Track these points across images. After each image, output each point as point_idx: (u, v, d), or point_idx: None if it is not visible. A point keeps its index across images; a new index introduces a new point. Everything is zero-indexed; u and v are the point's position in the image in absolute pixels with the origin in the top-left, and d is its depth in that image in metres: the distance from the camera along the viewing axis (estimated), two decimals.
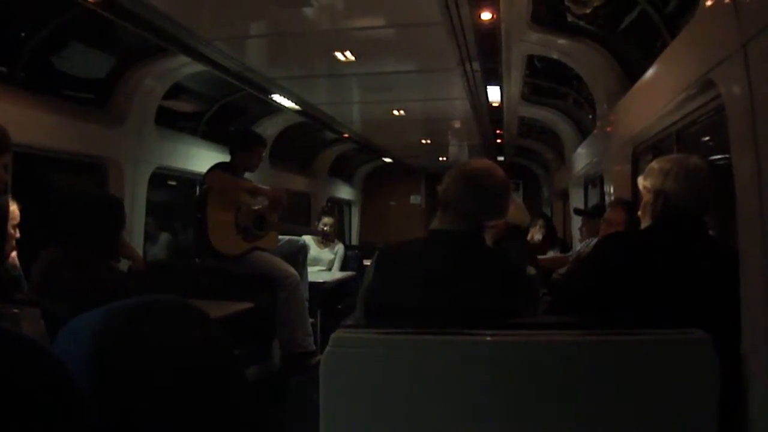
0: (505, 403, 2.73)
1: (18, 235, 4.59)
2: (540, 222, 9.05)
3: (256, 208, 7.29)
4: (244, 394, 3.13)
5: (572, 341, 2.74)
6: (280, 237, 7.88)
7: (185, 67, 7.78)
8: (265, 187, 7.59)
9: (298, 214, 14.53)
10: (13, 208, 4.54)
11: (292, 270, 7.16)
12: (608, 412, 2.65)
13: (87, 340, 2.44)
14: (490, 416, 2.73)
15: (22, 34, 6.29)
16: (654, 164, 3.55)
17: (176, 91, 8.51)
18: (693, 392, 2.62)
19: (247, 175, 7.55)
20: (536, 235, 8.95)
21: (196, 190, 9.00)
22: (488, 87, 8.53)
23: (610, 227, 5.58)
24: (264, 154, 7.91)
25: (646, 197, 3.52)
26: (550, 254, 8.58)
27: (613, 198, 7.04)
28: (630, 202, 5.75)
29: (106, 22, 5.93)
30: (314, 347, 7.23)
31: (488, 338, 2.77)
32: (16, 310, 3.71)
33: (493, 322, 2.87)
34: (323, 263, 10.59)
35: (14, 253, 4.67)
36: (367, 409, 2.83)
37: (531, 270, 3.75)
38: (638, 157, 6.66)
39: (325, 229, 10.46)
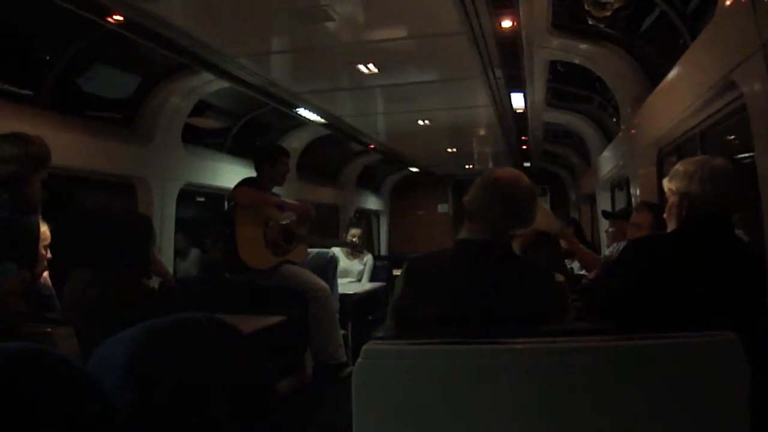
0: (539, 411, 2.71)
1: (49, 255, 4.64)
2: (570, 229, 9.02)
3: (284, 222, 7.31)
4: (278, 409, 3.15)
5: (602, 347, 2.72)
6: (309, 250, 7.89)
7: (210, 84, 7.83)
8: (292, 201, 7.61)
9: (327, 226, 14.54)
10: (44, 228, 4.60)
11: (323, 282, 7.17)
12: (640, 416, 2.62)
13: (121, 360, 2.46)
14: (524, 424, 2.71)
15: (47, 58, 6.37)
16: (679, 166, 3.54)
17: (202, 108, 8.57)
18: (723, 394, 2.60)
19: (275, 188, 7.58)
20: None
21: (224, 206, 9.05)
22: (512, 94, 8.52)
23: (636, 230, 5.56)
24: (291, 167, 7.92)
25: (672, 200, 3.51)
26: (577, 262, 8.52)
27: (639, 201, 7.02)
28: (656, 205, 5.73)
29: (130, 42, 5.99)
30: (346, 358, 7.22)
31: (519, 346, 2.74)
32: (49, 330, 3.75)
33: (523, 330, 2.86)
34: (353, 275, 10.59)
35: (46, 274, 4.71)
36: (400, 420, 2.81)
37: (559, 277, 3.73)
38: (663, 159, 6.66)
39: (354, 240, 10.46)
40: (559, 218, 6.22)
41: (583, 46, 7.01)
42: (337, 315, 7.47)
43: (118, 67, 7.36)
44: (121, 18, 5.34)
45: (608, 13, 6.18)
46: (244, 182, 7.25)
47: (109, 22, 5.38)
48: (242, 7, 5.63)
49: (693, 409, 2.61)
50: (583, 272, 7.50)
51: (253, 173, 7.45)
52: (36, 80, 6.29)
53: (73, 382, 2.21)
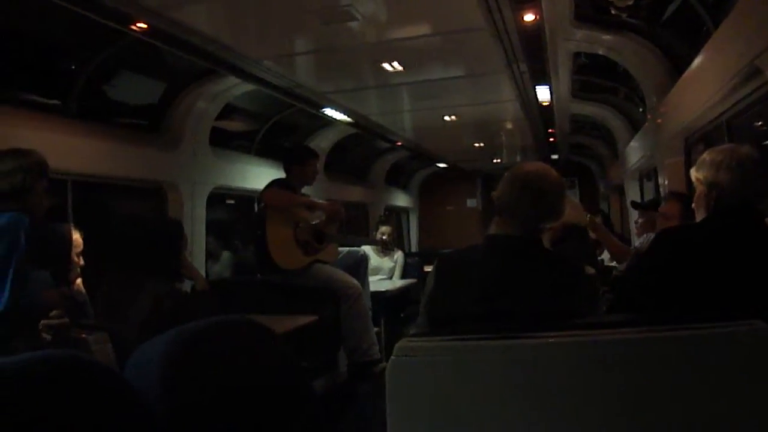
0: (572, 405, 2.70)
1: (82, 262, 4.69)
2: (597, 218, 8.97)
3: (314, 222, 7.34)
4: (313, 409, 3.17)
5: (635, 339, 2.70)
6: (339, 249, 7.93)
7: (236, 88, 7.88)
8: (321, 201, 7.64)
9: (357, 225, 14.56)
10: (76, 236, 4.65)
11: (354, 281, 7.21)
12: (675, 407, 2.62)
13: (156, 364, 2.49)
14: (559, 418, 2.71)
15: (73, 67, 6.42)
16: (705, 156, 3.52)
17: (228, 111, 8.61)
18: (757, 384, 2.60)
19: (305, 188, 7.61)
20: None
21: (254, 208, 9.08)
22: (537, 87, 8.51)
23: (666, 221, 5.54)
24: (319, 167, 7.95)
25: (700, 189, 3.49)
26: (606, 253, 8.48)
27: (667, 191, 7.01)
28: (685, 194, 5.71)
29: (154, 49, 6.04)
30: (379, 355, 7.24)
31: (551, 340, 2.73)
32: (84, 336, 3.80)
33: (555, 323, 2.85)
34: (384, 272, 10.61)
35: (79, 280, 4.75)
36: (435, 417, 2.81)
37: (590, 269, 3.74)
38: (690, 147, 6.64)
39: (384, 238, 10.48)
40: (586, 210, 6.22)
41: (607, 37, 7.00)
42: (370, 313, 7.50)
43: (144, 74, 7.42)
44: (145, 26, 5.37)
45: (630, 3, 6.17)
46: (274, 183, 7.29)
47: (133, 30, 5.42)
48: (265, 10, 5.66)
49: (727, 399, 2.59)
50: (613, 264, 7.50)
51: (281, 174, 7.49)
52: (63, 90, 6.35)
53: (109, 387, 2.23)
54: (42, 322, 3.68)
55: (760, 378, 2.58)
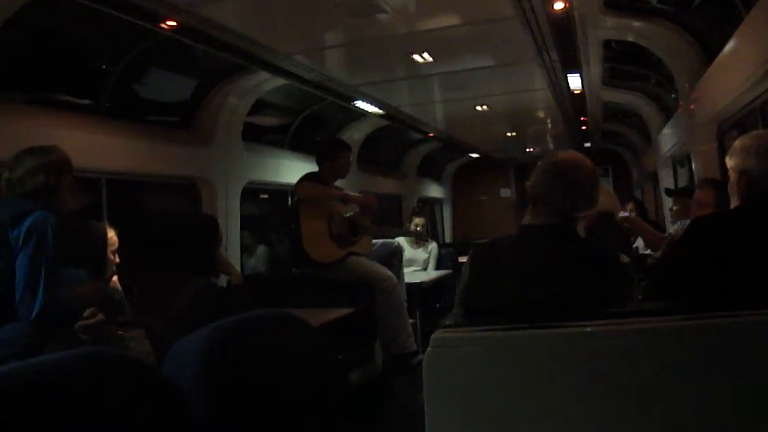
0: (609, 393, 2.69)
1: (117, 260, 4.72)
2: (630, 206, 8.90)
3: (348, 215, 7.36)
4: (351, 401, 3.19)
5: (670, 327, 2.67)
6: (374, 241, 7.96)
7: (267, 83, 7.91)
8: (354, 193, 7.66)
9: (390, 217, 14.58)
10: (111, 234, 4.67)
11: (389, 273, 7.21)
12: (712, 396, 2.61)
13: (194, 359, 2.51)
14: (595, 407, 2.69)
15: (104, 67, 6.47)
16: (737, 142, 3.49)
17: (260, 106, 8.64)
18: None
19: (340, 182, 7.63)
20: None
21: (288, 202, 9.12)
22: (568, 75, 8.49)
23: (700, 208, 5.51)
24: (352, 159, 7.96)
25: (732, 177, 3.48)
26: (641, 240, 8.46)
27: (701, 177, 6.97)
28: (719, 181, 5.67)
29: (184, 46, 6.07)
30: (416, 347, 7.24)
31: (588, 329, 2.73)
32: (121, 333, 3.83)
33: (591, 312, 2.86)
34: (418, 263, 10.61)
35: (115, 278, 4.79)
36: (473, 408, 2.81)
37: (624, 258, 3.72)
38: (724, 134, 6.60)
39: (418, 229, 10.49)
40: (620, 197, 6.19)
41: (637, 24, 6.96)
42: (405, 304, 7.50)
43: (175, 71, 7.46)
44: (174, 23, 5.41)
45: None
46: (307, 177, 7.31)
47: (163, 28, 5.47)
48: (294, 5, 5.69)
49: (766, 388, 2.59)
50: (648, 252, 7.47)
51: (314, 167, 7.49)
52: (95, 89, 6.40)
53: (148, 383, 2.26)
54: (78, 324, 3.71)
55: None
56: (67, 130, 5.56)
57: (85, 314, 3.72)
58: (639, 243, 8.30)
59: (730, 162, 3.50)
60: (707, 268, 3.22)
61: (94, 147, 5.82)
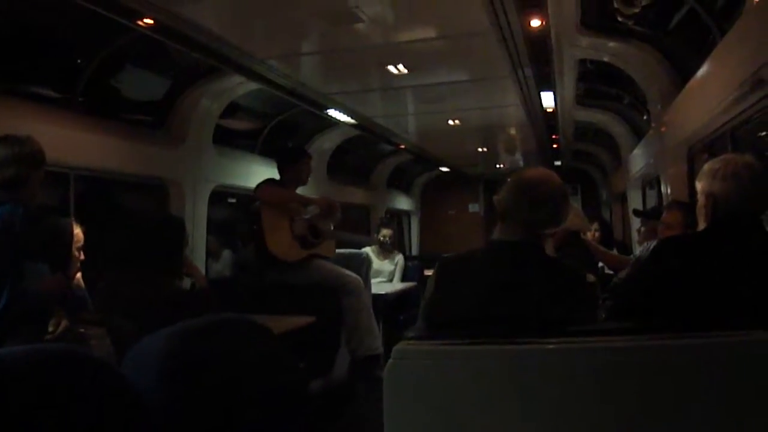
0: (570, 411, 2.70)
1: (82, 257, 4.68)
2: (595, 225, 8.91)
3: (308, 216, 7.37)
4: (309, 409, 3.18)
5: (633, 346, 2.70)
6: (342, 251, 7.97)
7: (240, 86, 7.89)
8: (314, 197, 7.67)
9: (359, 227, 14.57)
10: (77, 230, 4.62)
11: (354, 275, 7.23)
12: (673, 416, 2.62)
13: (154, 360, 2.50)
14: (555, 425, 2.71)
15: (79, 61, 6.42)
16: (706, 166, 3.52)
17: (233, 109, 8.62)
18: (757, 394, 2.59)
19: (308, 191, 7.60)
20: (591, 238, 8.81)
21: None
22: (542, 92, 8.52)
23: (668, 230, 5.53)
24: (322, 168, 7.99)
25: (701, 199, 3.50)
26: None
27: (670, 199, 7.02)
28: (687, 204, 5.71)
29: (161, 45, 6.05)
30: (383, 349, 7.29)
31: (550, 346, 2.74)
32: (83, 330, 3.80)
33: (553, 330, 2.84)
34: (384, 275, 10.62)
35: (79, 275, 4.74)
36: (432, 420, 2.81)
37: (590, 277, 3.73)
38: (694, 157, 6.64)
39: (383, 239, 10.53)
40: (588, 217, 6.21)
41: (612, 44, 7.00)
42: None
43: (150, 70, 7.43)
44: (151, 21, 5.38)
45: (637, 10, 6.16)
46: (267, 182, 7.34)
47: (140, 25, 5.43)
48: (272, 9, 5.67)
49: (726, 409, 2.59)
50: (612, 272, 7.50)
51: None
52: (68, 83, 6.36)
53: (107, 381, 2.25)
54: (46, 338, 3.66)
55: (760, 388, 2.57)
56: (37, 123, 5.50)
57: (50, 328, 3.68)
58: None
59: (699, 185, 3.52)
60: (672, 289, 3.23)
61: (65, 141, 5.76)
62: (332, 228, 7.75)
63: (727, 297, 3.09)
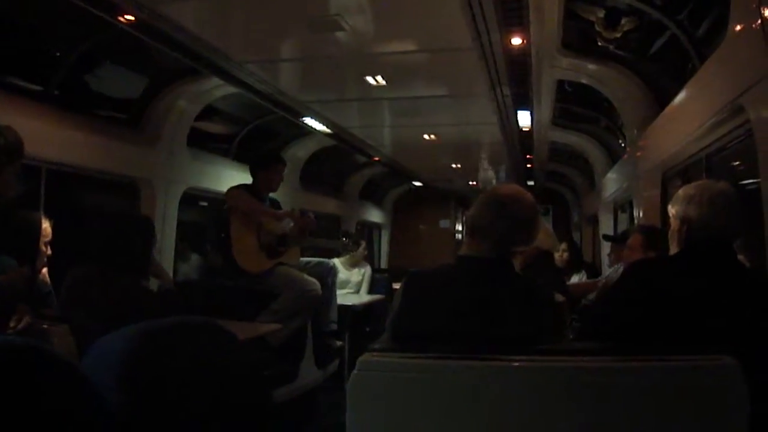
0: (532, 430, 2.72)
1: (49, 252, 4.63)
2: (563, 246, 8.91)
3: (281, 233, 7.37)
4: (272, 417, 3.16)
5: (599, 367, 2.72)
6: (310, 259, 7.98)
7: (218, 89, 7.87)
8: (285, 210, 7.63)
9: (329, 237, 14.55)
10: (45, 225, 4.59)
11: (314, 279, 7.30)
12: None
13: (115, 359, 2.47)
14: None
15: (57, 54, 6.38)
16: (681, 191, 3.54)
17: (209, 112, 8.59)
18: (721, 418, 2.60)
19: (280, 198, 7.61)
20: (559, 258, 8.81)
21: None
22: (519, 112, 8.55)
23: (630, 252, 5.57)
24: (295, 176, 7.99)
25: (674, 224, 3.51)
26: (575, 279, 8.52)
27: (638, 224, 7.07)
28: (648, 227, 5.78)
29: (140, 43, 6.01)
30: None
31: (515, 364, 2.75)
32: (46, 326, 3.76)
33: (519, 348, 2.84)
34: (351, 285, 10.59)
35: (45, 270, 4.71)
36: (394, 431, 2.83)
37: (559, 297, 3.72)
38: (667, 182, 6.66)
39: (348, 244, 10.62)
40: (559, 237, 6.23)
41: (592, 67, 7.04)
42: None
43: (127, 67, 7.38)
44: (132, 18, 5.36)
45: (618, 35, 6.19)
46: (239, 187, 7.31)
47: (121, 21, 5.40)
48: (253, 14, 5.66)
49: (688, 431, 2.60)
50: None
51: None
52: (45, 76, 6.31)
53: (67, 379, 2.22)
54: (8, 332, 3.61)
55: (725, 412, 2.58)
56: (11, 114, 5.45)
57: (12, 323, 3.63)
58: (575, 280, 8.35)
59: (672, 210, 3.52)
60: (639, 312, 3.23)
61: (39, 134, 5.70)
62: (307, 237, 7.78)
63: (697, 321, 3.09)
